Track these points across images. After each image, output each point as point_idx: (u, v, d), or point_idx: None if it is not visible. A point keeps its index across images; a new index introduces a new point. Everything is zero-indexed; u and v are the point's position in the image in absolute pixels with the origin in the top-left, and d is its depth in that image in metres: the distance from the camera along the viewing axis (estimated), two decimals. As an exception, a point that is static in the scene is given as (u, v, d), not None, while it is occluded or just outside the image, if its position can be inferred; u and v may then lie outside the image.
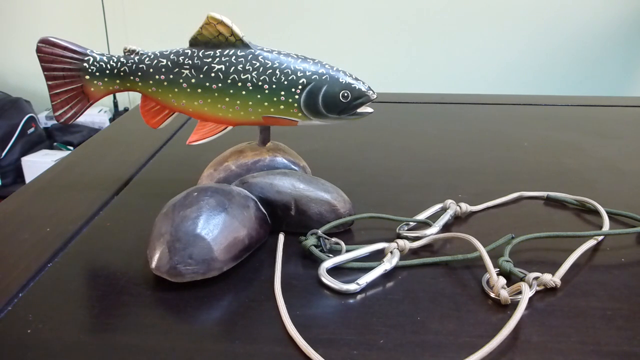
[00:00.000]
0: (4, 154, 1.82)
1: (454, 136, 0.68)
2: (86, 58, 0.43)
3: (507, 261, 0.37)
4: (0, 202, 0.49)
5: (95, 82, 0.43)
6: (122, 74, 0.43)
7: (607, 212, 0.45)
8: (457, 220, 0.46)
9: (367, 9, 1.96)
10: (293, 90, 0.41)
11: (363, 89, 0.42)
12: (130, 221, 0.44)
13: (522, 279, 0.35)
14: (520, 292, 0.33)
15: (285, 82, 0.41)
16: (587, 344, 0.31)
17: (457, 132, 0.70)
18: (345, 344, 0.30)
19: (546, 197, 0.50)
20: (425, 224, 0.43)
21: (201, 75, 0.41)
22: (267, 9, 1.97)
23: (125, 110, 2.11)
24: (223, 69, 0.41)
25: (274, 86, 0.41)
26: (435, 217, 0.45)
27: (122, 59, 0.43)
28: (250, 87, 0.41)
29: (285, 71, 0.41)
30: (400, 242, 0.39)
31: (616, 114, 0.80)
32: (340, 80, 0.41)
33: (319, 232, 0.39)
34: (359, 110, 0.42)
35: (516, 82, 2.00)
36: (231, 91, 0.41)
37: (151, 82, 0.42)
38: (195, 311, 0.33)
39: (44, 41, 0.42)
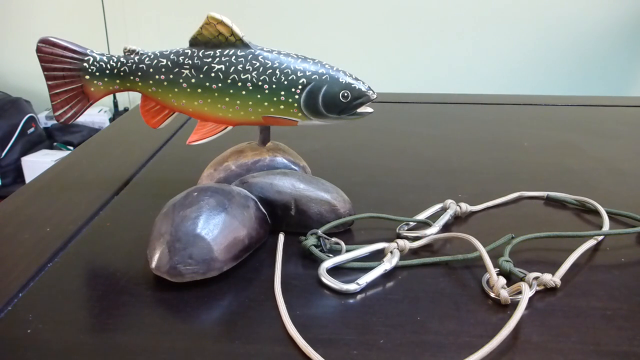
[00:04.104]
0: (4, 154, 1.82)
1: (454, 136, 0.68)
2: (86, 58, 0.43)
3: (507, 261, 0.37)
4: (0, 202, 0.49)
5: (95, 82, 0.43)
6: (122, 74, 0.43)
7: (607, 212, 0.45)
8: (457, 220, 0.46)
9: (369, 8, 1.96)
10: (293, 90, 0.41)
11: (363, 89, 0.42)
12: (130, 221, 0.44)
13: (522, 279, 0.35)
14: (520, 292, 0.33)
15: (285, 82, 0.41)
16: (587, 344, 0.31)
17: (457, 132, 0.70)
18: (345, 344, 0.30)
19: (546, 197, 0.50)
20: (425, 224, 0.43)
21: (201, 75, 0.41)
22: (267, 9, 1.97)
23: (125, 110, 2.11)
24: (223, 69, 0.41)
25: (274, 86, 0.41)
26: (435, 217, 0.45)
27: (122, 59, 0.43)
28: (250, 87, 0.41)
29: (285, 71, 0.41)
30: (400, 242, 0.39)
31: (616, 114, 0.80)
32: (340, 80, 0.41)
33: (319, 232, 0.39)
34: (359, 110, 0.42)
35: (516, 83, 2.00)
36: (231, 91, 0.41)
37: (151, 82, 0.42)
38: (195, 311, 0.33)
39: (44, 41, 0.42)
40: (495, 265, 0.37)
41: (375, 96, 0.42)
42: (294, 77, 0.41)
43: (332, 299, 0.35)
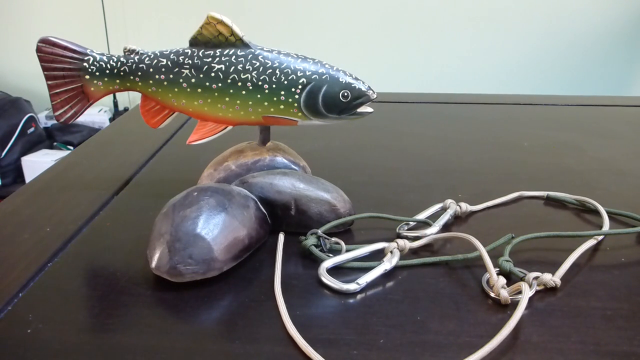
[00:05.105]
0: (4, 154, 1.82)
1: (453, 136, 0.68)
2: (86, 58, 0.43)
3: (507, 261, 0.37)
4: (0, 202, 0.49)
5: (95, 82, 0.43)
6: (122, 73, 0.43)
7: (607, 212, 0.45)
8: (457, 220, 0.46)
9: (369, 8, 1.96)
10: (293, 90, 0.41)
11: (363, 89, 0.42)
12: (130, 221, 0.44)
13: (522, 279, 0.35)
14: (520, 292, 0.33)
15: (285, 82, 0.41)
16: (587, 344, 0.31)
17: (457, 132, 0.70)
18: (345, 344, 0.30)
19: (546, 197, 0.50)
20: (425, 224, 0.43)
21: (201, 75, 0.41)
22: (267, 9, 1.97)
23: (125, 110, 2.11)
24: (223, 68, 0.41)
25: (274, 86, 0.41)
26: (435, 217, 0.45)
27: (122, 59, 0.43)
28: (250, 87, 0.41)
29: (285, 71, 0.41)
30: (400, 242, 0.39)
31: (616, 114, 0.80)
32: (340, 80, 0.41)
33: (319, 232, 0.39)
34: (359, 110, 0.42)
35: (516, 83, 2.00)
36: (231, 91, 0.41)
37: (151, 81, 0.42)
38: (195, 311, 0.33)
39: (44, 41, 0.42)
40: (495, 265, 0.37)
41: (375, 96, 0.42)
42: (294, 77, 0.41)
43: (332, 299, 0.35)
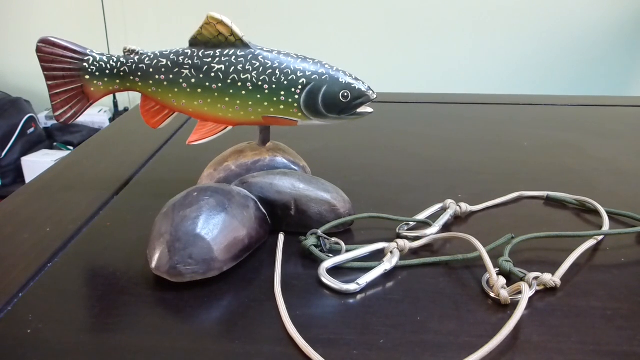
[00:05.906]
0: (4, 154, 1.82)
1: (454, 136, 0.68)
2: (86, 58, 0.43)
3: (507, 261, 0.37)
4: (0, 202, 0.49)
5: (95, 82, 0.43)
6: (122, 74, 0.43)
7: (607, 212, 0.45)
8: (457, 220, 0.46)
9: (369, 8, 1.96)
10: (293, 90, 0.41)
11: (363, 89, 0.42)
12: (130, 221, 0.44)
13: (522, 279, 0.35)
14: (520, 292, 0.33)
15: (285, 82, 0.41)
16: (587, 344, 0.31)
17: (457, 132, 0.70)
18: (345, 344, 0.30)
19: (546, 197, 0.50)
20: (425, 224, 0.43)
21: (201, 75, 0.41)
22: (267, 9, 1.97)
23: (125, 110, 2.11)
24: (223, 69, 0.41)
25: (273, 86, 0.41)
26: (435, 217, 0.45)
27: (122, 59, 0.43)
28: (250, 87, 0.41)
29: (285, 71, 0.41)
30: (400, 242, 0.39)
31: (616, 114, 0.80)
32: (340, 80, 0.41)
33: (319, 232, 0.39)
34: (359, 110, 0.42)
35: (516, 83, 2.00)
36: (231, 91, 0.41)
37: (151, 82, 0.42)
38: (195, 311, 0.33)
39: (44, 41, 0.42)
40: (495, 265, 0.37)
41: (375, 96, 0.42)
42: (294, 77, 0.41)
43: (332, 299, 0.35)
